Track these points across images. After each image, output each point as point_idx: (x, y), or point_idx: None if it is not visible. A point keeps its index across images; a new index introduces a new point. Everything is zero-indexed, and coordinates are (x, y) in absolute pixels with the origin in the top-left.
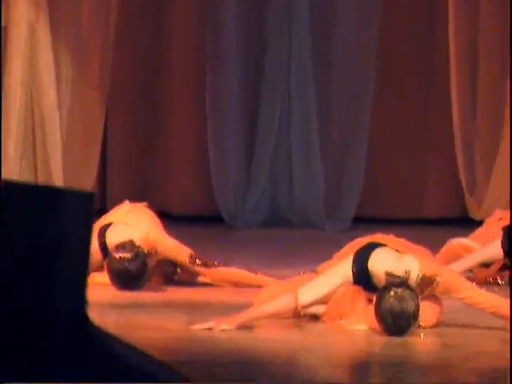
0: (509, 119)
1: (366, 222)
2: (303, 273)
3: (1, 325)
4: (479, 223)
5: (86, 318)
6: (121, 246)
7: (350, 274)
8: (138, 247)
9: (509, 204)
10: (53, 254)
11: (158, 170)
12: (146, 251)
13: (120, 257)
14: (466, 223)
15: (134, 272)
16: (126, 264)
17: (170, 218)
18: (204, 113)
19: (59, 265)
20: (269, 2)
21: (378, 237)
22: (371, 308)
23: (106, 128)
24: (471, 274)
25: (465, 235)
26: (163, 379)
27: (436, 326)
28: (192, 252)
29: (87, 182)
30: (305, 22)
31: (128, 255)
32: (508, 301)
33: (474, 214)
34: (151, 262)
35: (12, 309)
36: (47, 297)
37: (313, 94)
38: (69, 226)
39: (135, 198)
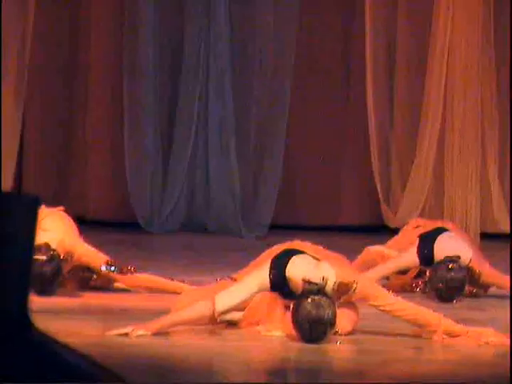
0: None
1: (282, 228)
2: (220, 279)
3: None
4: (394, 231)
5: (27, 320)
6: (36, 249)
7: (268, 281)
8: (54, 250)
9: (421, 212)
10: None
11: (75, 174)
12: (61, 256)
13: (35, 259)
14: (382, 231)
15: (49, 274)
16: (41, 266)
17: (86, 223)
18: (121, 120)
19: (1, 268)
20: (187, 4)
21: (296, 244)
22: (288, 315)
23: (22, 130)
24: (387, 282)
25: (380, 243)
26: (102, 380)
27: (352, 332)
28: (108, 258)
29: (3, 185)
30: (224, 27)
31: (43, 257)
32: (423, 308)
33: (390, 222)
34: (67, 268)
35: None
36: None
37: (230, 99)
38: (13, 230)
39: (51, 202)
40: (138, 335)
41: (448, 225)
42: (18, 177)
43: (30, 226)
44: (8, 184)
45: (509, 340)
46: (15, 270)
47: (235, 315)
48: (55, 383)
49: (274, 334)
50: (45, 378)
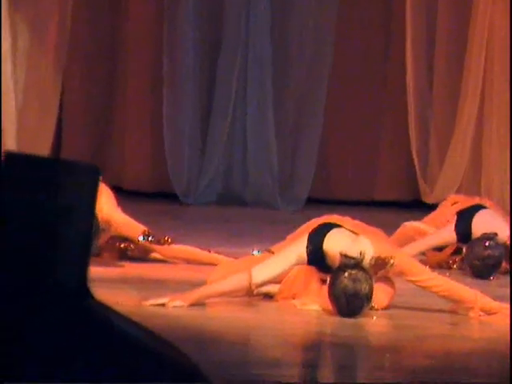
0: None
1: (319, 202)
2: (257, 252)
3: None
4: (431, 207)
5: (87, 292)
6: None
7: (305, 254)
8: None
9: (459, 188)
10: (56, 228)
11: (113, 144)
12: (99, 224)
13: None
14: (419, 207)
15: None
16: None
17: (123, 193)
18: (160, 89)
19: (62, 238)
20: None
21: (334, 218)
22: (325, 288)
23: (61, 100)
24: (424, 257)
25: (417, 219)
26: (162, 352)
27: (388, 307)
28: (145, 229)
29: (41, 152)
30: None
31: None
32: (460, 285)
33: (427, 198)
34: (104, 237)
35: (13, 280)
36: (49, 270)
37: (269, 76)
38: (73, 199)
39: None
40: (174, 306)
41: (486, 202)
42: (57, 142)
43: (91, 195)
44: (46, 149)
45: None
46: (76, 240)
47: (272, 288)
48: (113, 354)
49: (311, 307)
50: (103, 349)
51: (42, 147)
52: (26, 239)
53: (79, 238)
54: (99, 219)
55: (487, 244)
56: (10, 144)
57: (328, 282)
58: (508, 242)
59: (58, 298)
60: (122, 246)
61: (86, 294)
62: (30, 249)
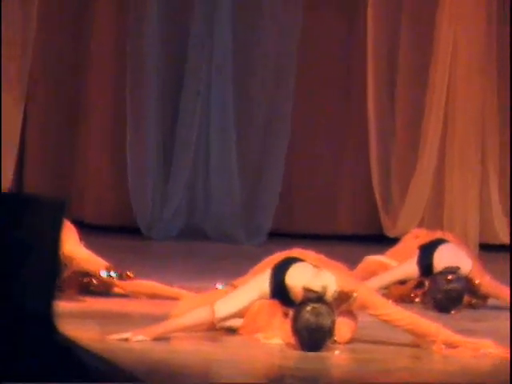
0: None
1: (281, 236)
2: (220, 286)
3: None
4: (394, 241)
5: (52, 323)
6: None
7: (268, 288)
8: None
9: (421, 222)
10: (22, 259)
11: (75, 177)
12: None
13: None
14: (381, 240)
15: None
16: None
17: (85, 228)
18: (123, 120)
19: (28, 270)
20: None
21: (296, 251)
22: (288, 322)
23: (23, 137)
24: (387, 291)
25: (379, 252)
26: (120, 380)
27: (351, 341)
28: (107, 264)
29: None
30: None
31: None
32: (422, 318)
33: (389, 232)
34: (66, 273)
35: None
36: (16, 301)
37: (232, 109)
38: (38, 234)
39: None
40: (137, 340)
41: (448, 236)
42: (18, 180)
43: (57, 229)
44: (7, 181)
45: (508, 352)
46: (42, 273)
47: (235, 322)
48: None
49: (274, 341)
50: (66, 378)
51: (2, 182)
52: None
53: (45, 271)
54: (60, 254)
55: (450, 278)
56: None
57: (291, 316)
58: (470, 276)
59: (24, 331)
60: (85, 280)
61: (52, 326)
62: None
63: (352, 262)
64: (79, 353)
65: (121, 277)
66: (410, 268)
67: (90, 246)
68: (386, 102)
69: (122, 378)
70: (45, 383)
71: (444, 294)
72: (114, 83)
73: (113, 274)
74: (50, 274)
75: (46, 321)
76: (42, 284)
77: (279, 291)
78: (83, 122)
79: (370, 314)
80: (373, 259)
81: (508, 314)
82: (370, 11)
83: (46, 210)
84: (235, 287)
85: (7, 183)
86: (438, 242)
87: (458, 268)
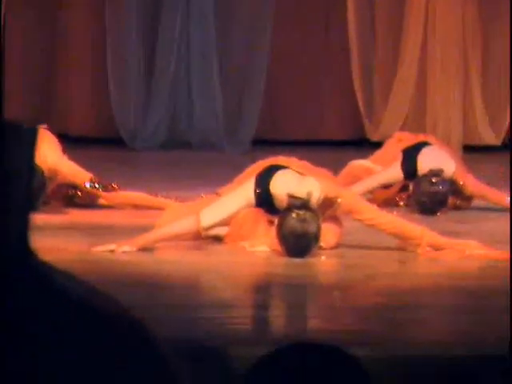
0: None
1: (265, 144)
2: (205, 195)
3: None
4: (377, 145)
5: (28, 251)
6: None
7: (252, 196)
8: (37, 166)
9: (403, 125)
10: None
11: (57, 90)
12: (44, 173)
13: None
14: (364, 145)
15: (33, 190)
16: None
17: (69, 140)
18: (104, 31)
19: (1, 202)
20: None
21: (280, 159)
22: (273, 230)
23: (2, 46)
24: (371, 196)
25: (363, 157)
26: (110, 312)
27: (337, 247)
28: (92, 176)
29: None
30: None
31: None
32: (407, 222)
33: (372, 136)
34: (51, 185)
35: None
36: None
37: (212, 19)
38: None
39: (34, 119)
40: (123, 251)
41: (431, 138)
42: (0, 96)
43: (29, 157)
44: None
45: (493, 252)
46: (15, 202)
47: (220, 231)
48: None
49: (259, 249)
50: (44, 307)
51: None
52: None
53: (18, 199)
54: (45, 168)
55: (434, 180)
56: None
57: (276, 223)
58: (454, 178)
59: None
60: (70, 193)
61: (29, 252)
62: None
63: (337, 168)
64: (59, 279)
65: (105, 188)
66: (393, 172)
67: (74, 158)
68: (366, 9)
69: (105, 305)
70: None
71: (428, 197)
72: (94, 2)
73: (97, 185)
74: (25, 202)
75: (22, 248)
76: (15, 215)
77: (264, 199)
78: (62, 39)
79: (355, 219)
80: (357, 164)
81: (493, 214)
82: None
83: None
84: (220, 196)
85: None
86: (421, 145)
87: (442, 170)
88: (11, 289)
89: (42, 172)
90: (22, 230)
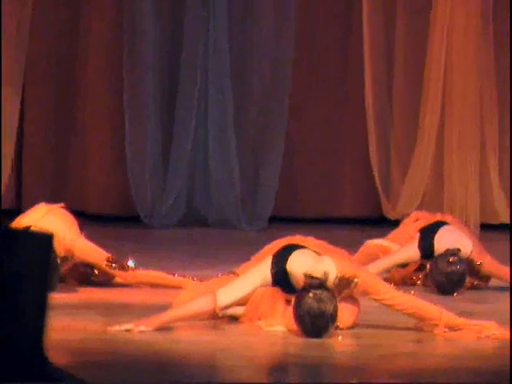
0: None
1: (282, 221)
2: (222, 274)
3: None
4: (394, 223)
5: (43, 354)
6: None
7: (269, 276)
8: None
9: (420, 204)
10: (11, 293)
11: (75, 168)
12: (60, 253)
13: None
14: (381, 223)
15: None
16: None
17: (86, 218)
18: (122, 111)
19: (17, 303)
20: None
21: (297, 238)
22: (290, 309)
23: (22, 126)
24: (388, 275)
25: (380, 235)
26: None
27: (353, 326)
28: (109, 255)
29: (0, 179)
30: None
31: None
32: (424, 302)
33: (389, 214)
34: (68, 265)
35: None
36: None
37: (230, 96)
38: (26, 267)
39: (51, 197)
40: (139, 331)
41: (447, 218)
42: (18, 174)
43: (44, 262)
44: (6, 181)
45: (509, 333)
46: (31, 306)
47: (237, 310)
48: None
49: (276, 328)
50: None
51: (1, 173)
52: None
53: (34, 303)
54: (62, 247)
55: (451, 260)
56: None
57: (293, 302)
58: (471, 257)
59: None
60: (86, 271)
61: (42, 355)
62: None
63: (353, 246)
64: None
65: (122, 268)
66: (411, 251)
67: (91, 235)
68: (383, 85)
69: None
70: None
71: (446, 277)
72: (112, 77)
73: (114, 265)
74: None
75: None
76: (31, 318)
77: (281, 278)
78: (81, 113)
79: (372, 299)
80: (373, 243)
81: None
82: None
83: (32, 242)
84: (237, 275)
85: (5, 180)
86: (438, 225)
87: (459, 250)
88: None
89: (55, 253)
90: (38, 330)
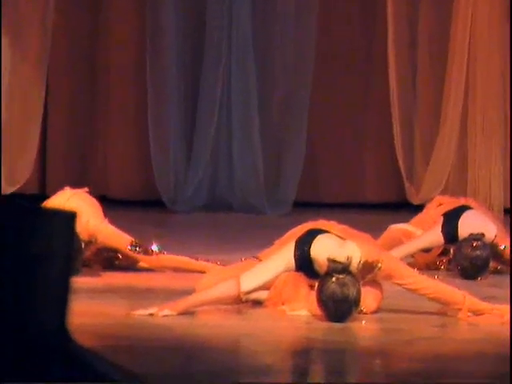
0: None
1: (305, 206)
2: (245, 259)
3: None
4: (417, 208)
5: (66, 334)
6: None
7: (293, 261)
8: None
9: (444, 188)
10: (35, 272)
11: (99, 153)
12: (83, 237)
13: None
14: (405, 208)
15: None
16: None
17: (110, 202)
18: (145, 97)
19: (41, 282)
20: None
21: (320, 223)
22: (313, 294)
23: (46, 112)
24: (411, 260)
25: (403, 220)
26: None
27: (377, 311)
28: (132, 239)
29: (25, 165)
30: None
31: None
32: (448, 286)
33: (413, 199)
34: (91, 249)
35: None
36: (30, 313)
37: (254, 80)
38: (49, 246)
39: (75, 182)
40: (163, 315)
41: (471, 202)
42: (42, 159)
43: (67, 241)
44: (31, 166)
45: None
46: (55, 285)
47: (260, 295)
48: None
49: (299, 313)
50: None
51: (25, 160)
52: (4, 285)
53: (57, 283)
54: (86, 232)
55: (475, 245)
56: None
57: (316, 287)
58: (495, 242)
59: (37, 342)
60: (110, 256)
61: (65, 335)
62: (8, 294)
63: (377, 231)
64: (93, 361)
65: (146, 252)
66: (434, 236)
67: (114, 220)
68: (407, 71)
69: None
70: None
71: (469, 261)
72: (134, 60)
73: (138, 249)
74: (63, 286)
75: (59, 331)
76: (55, 297)
77: (304, 263)
78: (104, 98)
79: (396, 284)
80: (397, 228)
81: None
82: None
83: (55, 222)
84: (260, 260)
85: (30, 165)
86: (462, 209)
87: (483, 234)
88: (49, 369)
89: (79, 237)
90: (62, 310)
